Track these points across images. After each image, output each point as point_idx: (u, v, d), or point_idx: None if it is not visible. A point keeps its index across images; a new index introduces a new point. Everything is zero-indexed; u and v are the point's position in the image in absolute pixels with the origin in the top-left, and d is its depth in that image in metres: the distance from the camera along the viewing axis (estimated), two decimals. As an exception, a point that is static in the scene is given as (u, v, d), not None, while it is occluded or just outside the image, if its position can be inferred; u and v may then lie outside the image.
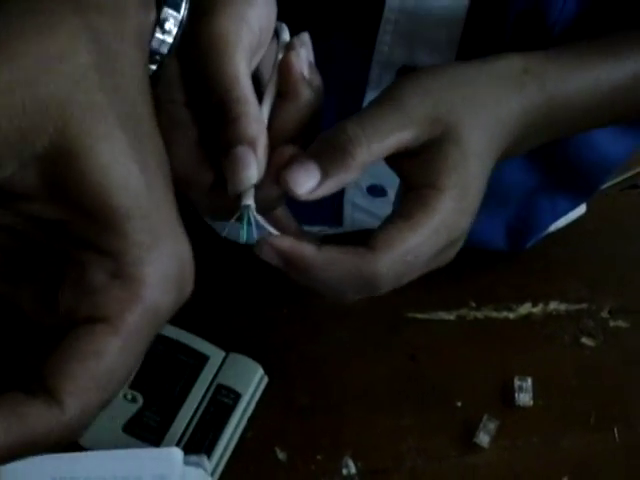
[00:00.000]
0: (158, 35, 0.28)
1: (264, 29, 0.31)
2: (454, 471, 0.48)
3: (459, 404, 0.50)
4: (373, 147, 0.30)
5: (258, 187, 0.30)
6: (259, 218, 0.30)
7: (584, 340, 0.53)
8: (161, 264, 0.24)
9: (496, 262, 0.56)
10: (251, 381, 0.48)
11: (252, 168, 0.29)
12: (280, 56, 0.32)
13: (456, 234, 0.32)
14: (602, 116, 0.38)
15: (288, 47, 0.32)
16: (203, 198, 0.31)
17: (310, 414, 0.49)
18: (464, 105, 0.32)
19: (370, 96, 0.43)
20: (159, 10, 0.28)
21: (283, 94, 0.31)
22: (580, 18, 0.38)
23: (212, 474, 0.45)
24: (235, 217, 0.30)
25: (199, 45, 0.29)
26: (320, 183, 0.30)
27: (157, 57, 0.28)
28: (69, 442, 0.23)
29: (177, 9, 0.28)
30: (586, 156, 0.48)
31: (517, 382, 0.50)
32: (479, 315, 0.54)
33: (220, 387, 0.47)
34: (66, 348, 0.23)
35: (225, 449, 0.46)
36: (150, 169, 0.24)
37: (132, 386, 0.46)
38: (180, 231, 0.25)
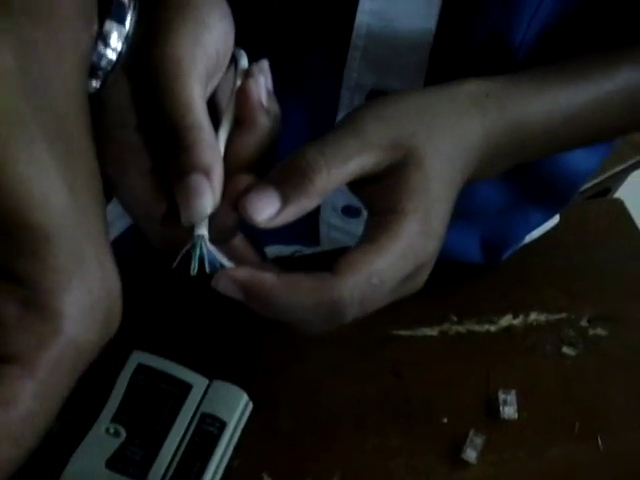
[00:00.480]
0: (100, 49, 0.26)
1: (221, 53, 0.30)
2: (443, 488, 0.48)
3: (445, 420, 0.50)
4: (333, 173, 0.30)
5: (212, 217, 0.29)
6: (212, 249, 0.29)
7: (565, 350, 0.54)
8: (83, 293, 0.21)
9: (475, 275, 0.57)
10: (236, 408, 0.47)
11: (207, 197, 0.28)
12: (238, 83, 0.31)
13: (423, 259, 0.31)
14: (565, 140, 0.38)
15: (246, 74, 0.31)
16: (155, 228, 0.30)
17: (297, 438, 0.49)
18: (425, 130, 0.32)
19: (341, 118, 0.43)
20: (102, 22, 0.26)
21: (240, 122, 0.30)
22: (543, 43, 0.39)
23: (200, 505, 0.44)
24: (187, 248, 0.29)
25: (151, 66, 0.28)
26: (280, 210, 0.29)
27: (99, 72, 0.27)
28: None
29: (122, 22, 0.27)
30: (557, 173, 0.49)
31: (501, 395, 0.50)
32: (461, 329, 0.54)
33: (204, 416, 0.46)
34: None
35: None
36: (78, 188, 0.22)
37: (114, 419, 0.46)
38: (108, 258, 0.23)
